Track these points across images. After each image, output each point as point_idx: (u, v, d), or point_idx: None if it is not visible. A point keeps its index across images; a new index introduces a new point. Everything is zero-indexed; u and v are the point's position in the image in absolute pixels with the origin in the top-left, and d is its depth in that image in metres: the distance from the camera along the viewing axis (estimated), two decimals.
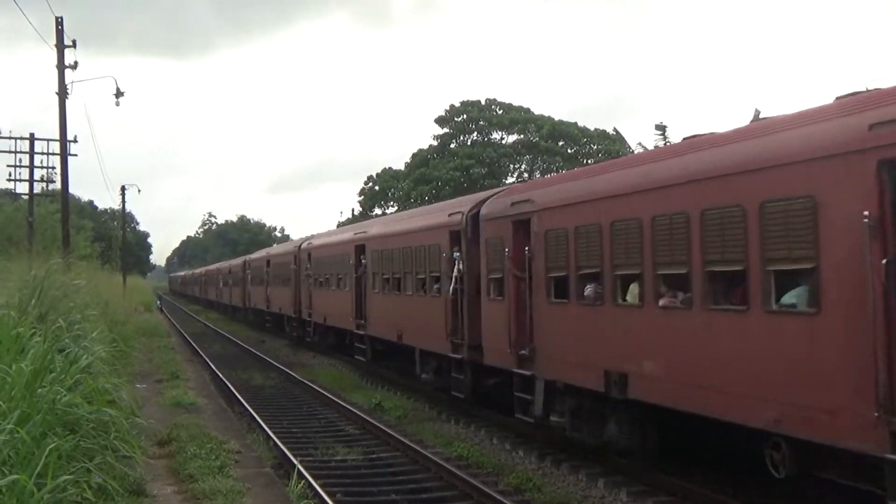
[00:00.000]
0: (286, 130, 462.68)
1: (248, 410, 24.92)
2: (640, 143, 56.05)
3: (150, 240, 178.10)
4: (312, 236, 47.48)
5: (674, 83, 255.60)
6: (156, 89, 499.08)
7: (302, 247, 46.17)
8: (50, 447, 8.96)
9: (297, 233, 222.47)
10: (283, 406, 27.29)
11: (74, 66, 37.77)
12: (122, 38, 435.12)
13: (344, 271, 36.19)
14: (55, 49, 37.20)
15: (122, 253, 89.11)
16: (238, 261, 75.75)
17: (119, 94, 42.33)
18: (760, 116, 19.01)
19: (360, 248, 33.82)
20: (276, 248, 65.29)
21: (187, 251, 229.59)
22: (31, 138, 55.29)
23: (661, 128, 52.10)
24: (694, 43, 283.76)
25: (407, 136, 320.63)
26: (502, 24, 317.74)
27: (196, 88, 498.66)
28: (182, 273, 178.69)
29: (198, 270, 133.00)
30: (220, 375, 32.96)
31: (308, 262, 43.62)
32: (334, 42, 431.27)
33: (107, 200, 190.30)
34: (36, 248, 34.82)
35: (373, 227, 34.45)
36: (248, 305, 66.48)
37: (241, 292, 69.23)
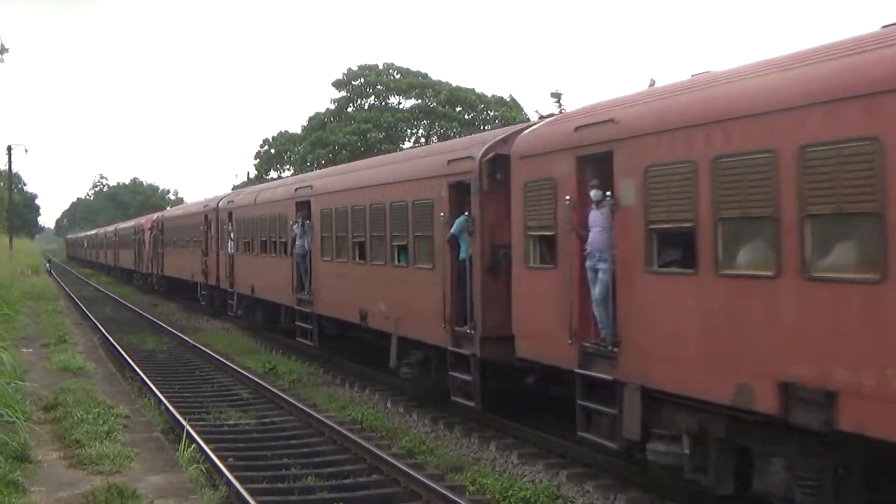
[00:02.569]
0: (182, 90, 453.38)
1: (138, 375, 24.53)
2: (536, 111, 56.35)
3: (38, 201, 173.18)
4: (165, 210, 70.40)
5: (573, 50, 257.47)
6: (45, 41, 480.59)
7: (154, 218, 61.42)
8: None
9: (190, 196, 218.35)
10: (175, 370, 26.98)
11: None
12: None
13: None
14: None
15: (9, 215, 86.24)
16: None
17: (3, 49, 40.89)
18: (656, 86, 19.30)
19: (157, 225, 55.24)
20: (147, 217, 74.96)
21: (77, 213, 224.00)
22: None
23: (557, 95, 52.38)
24: (594, 8, 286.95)
25: (304, 99, 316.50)
26: None
27: (86, 40, 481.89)
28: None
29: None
30: (111, 339, 32.38)
31: (161, 230, 56.41)
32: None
33: None
34: None
35: (169, 212, 55.22)
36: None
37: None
